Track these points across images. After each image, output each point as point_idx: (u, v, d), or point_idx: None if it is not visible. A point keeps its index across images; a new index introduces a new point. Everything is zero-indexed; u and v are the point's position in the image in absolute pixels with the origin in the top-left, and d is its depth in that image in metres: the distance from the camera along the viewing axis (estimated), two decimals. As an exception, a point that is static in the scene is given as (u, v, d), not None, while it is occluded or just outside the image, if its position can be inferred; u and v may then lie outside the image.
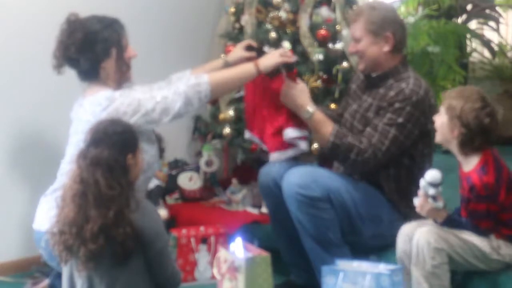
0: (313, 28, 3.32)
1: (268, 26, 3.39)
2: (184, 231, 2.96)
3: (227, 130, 3.37)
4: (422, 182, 2.21)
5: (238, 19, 3.58)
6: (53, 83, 2.85)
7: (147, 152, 2.39)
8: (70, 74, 2.49)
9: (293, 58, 2.60)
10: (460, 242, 2.19)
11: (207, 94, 2.48)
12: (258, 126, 2.77)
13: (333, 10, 3.42)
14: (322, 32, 3.28)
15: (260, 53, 2.77)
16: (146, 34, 3.36)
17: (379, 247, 2.55)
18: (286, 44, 3.30)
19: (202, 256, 2.96)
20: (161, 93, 2.43)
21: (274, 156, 2.70)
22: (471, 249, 2.20)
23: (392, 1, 4.39)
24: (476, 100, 2.20)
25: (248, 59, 2.71)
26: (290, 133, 2.62)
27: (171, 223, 3.27)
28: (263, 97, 2.71)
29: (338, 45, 3.30)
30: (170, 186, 3.60)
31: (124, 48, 2.50)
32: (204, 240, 2.96)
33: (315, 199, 2.45)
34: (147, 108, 2.38)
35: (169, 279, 2.11)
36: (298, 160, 2.72)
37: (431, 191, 2.19)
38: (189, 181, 3.64)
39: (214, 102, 3.49)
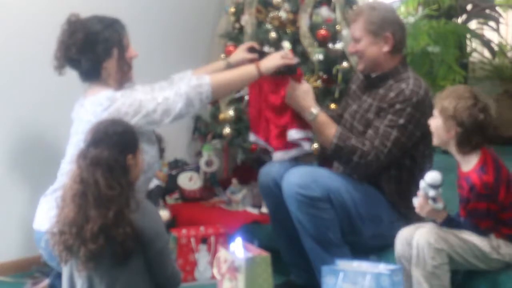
0: (313, 28, 3.32)
1: (268, 26, 3.39)
2: (184, 231, 2.96)
3: (227, 130, 3.37)
4: (422, 184, 2.21)
5: (238, 19, 3.59)
6: (53, 83, 2.85)
7: (147, 153, 2.39)
8: (70, 74, 2.49)
9: (294, 60, 2.61)
10: (460, 242, 2.20)
11: (209, 95, 2.48)
12: (263, 129, 2.76)
13: (333, 10, 3.42)
14: (322, 32, 3.28)
15: (262, 55, 2.77)
16: (146, 34, 3.36)
17: (379, 247, 2.55)
18: (286, 44, 3.30)
19: (202, 256, 2.96)
20: (162, 94, 2.43)
21: (278, 155, 2.70)
22: (471, 249, 2.20)
23: (392, 1, 4.39)
24: (468, 98, 2.21)
25: (250, 61, 2.71)
26: (294, 134, 2.62)
27: (171, 223, 3.27)
28: (268, 99, 2.71)
29: (338, 45, 3.30)
30: (170, 186, 3.60)
31: (126, 48, 2.50)
32: (204, 240, 2.96)
33: (315, 199, 2.45)
34: (148, 109, 2.38)
35: (169, 279, 2.11)
36: (298, 160, 2.72)
37: (431, 192, 2.19)
38: (189, 181, 3.64)
39: (214, 102, 3.49)
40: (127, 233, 1.95)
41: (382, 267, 2.18)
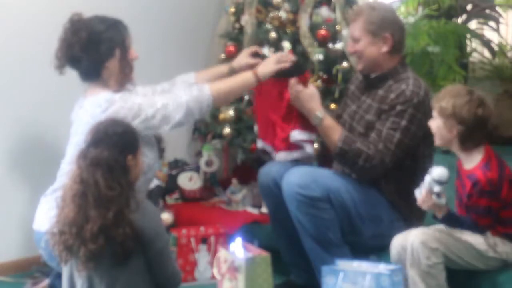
0: (313, 28, 3.33)
1: (268, 26, 3.39)
2: (184, 231, 2.96)
3: (227, 130, 3.37)
4: (428, 178, 2.20)
5: (238, 19, 3.59)
6: (53, 83, 2.85)
7: (147, 156, 2.39)
8: (70, 74, 2.49)
9: (290, 63, 2.59)
10: (455, 242, 2.20)
11: (209, 105, 2.49)
12: (270, 134, 2.75)
13: (333, 10, 3.42)
14: (322, 32, 3.29)
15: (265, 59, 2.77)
16: (146, 34, 3.36)
17: (379, 247, 2.55)
18: (286, 44, 3.30)
19: (202, 256, 2.96)
20: (162, 100, 2.43)
21: (280, 156, 2.69)
22: (467, 248, 2.21)
23: (392, 1, 4.39)
24: (464, 95, 2.23)
25: (253, 66, 2.72)
26: (297, 135, 2.61)
27: (171, 223, 3.27)
28: (275, 102, 2.70)
29: (338, 45, 3.30)
30: (170, 186, 3.60)
31: (128, 49, 2.50)
32: (204, 240, 2.96)
33: (315, 199, 2.45)
34: (147, 114, 2.37)
35: (170, 279, 2.11)
36: (298, 160, 2.72)
37: (437, 188, 2.18)
38: (189, 181, 3.64)
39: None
40: (127, 233, 1.95)
41: (382, 267, 2.18)
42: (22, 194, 3.14)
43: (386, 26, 2.56)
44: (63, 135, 2.56)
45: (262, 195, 2.89)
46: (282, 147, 2.68)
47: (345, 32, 3.28)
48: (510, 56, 5.38)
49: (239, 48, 3.47)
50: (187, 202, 3.59)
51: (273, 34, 3.33)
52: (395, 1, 4.52)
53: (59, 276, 2.25)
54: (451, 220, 2.23)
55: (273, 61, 2.60)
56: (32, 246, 2.56)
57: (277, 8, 3.40)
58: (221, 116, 3.39)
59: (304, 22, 3.33)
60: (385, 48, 2.56)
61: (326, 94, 3.24)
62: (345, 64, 3.25)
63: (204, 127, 3.76)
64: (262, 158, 3.22)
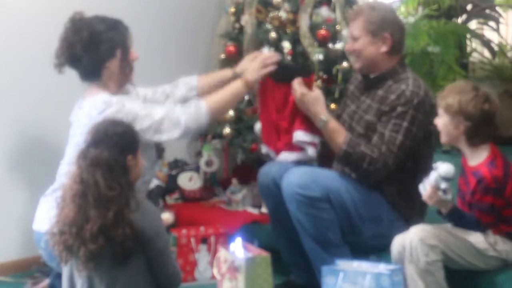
0: (313, 28, 3.33)
1: (268, 26, 3.39)
2: (184, 231, 2.96)
3: (227, 130, 3.37)
4: (434, 175, 2.19)
5: (238, 19, 3.59)
6: (53, 83, 2.86)
7: (145, 158, 2.38)
8: (71, 74, 2.49)
9: (275, 61, 2.61)
10: (455, 240, 2.20)
11: (206, 121, 2.50)
12: (273, 138, 2.74)
13: (333, 10, 3.42)
14: (322, 32, 3.29)
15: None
16: (146, 34, 3.36)
17: (379, 247, 2.55)
18: (286, 44, 3.30)
19: (202, 256, 2.96)
20: (160, 113, 2.40)
21: (282, 155, 2.69)
22: (467, 247, 2.21)
23: (392, 1, 4.39)
24: (469, 91, 2.24)
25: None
26: (300, 136, 2.60)
27: (172, 223, 3.27)
28: (277, 107, 2.69)
29: (338, 45, 3.30)
30: (170, 186, 3.60)
31: (128, 49, 2.50)
32: (204, 240, 2.96)
33: (314, 199, 2.45)
34: (142, 126, 2.36)
35: (170, 278, 2.11)
36: (298, 161, 2.71)
37: (443, 185, 2.17)
38: (189, 181, 3.64)
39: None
40: (127, 233, 1.95)
41: (382, 267, 2.18)
42: (22, 194, 3.14)
43: (386, 26, 2.55)
44: (63, 135, 2.56)
45: (261, 195, 2.88)
46: (284, 147, 2.67)
47: (345, 32, 3.29)
48: (510, 56, 5.38)
49: (239, 48, 3.47)
50: (187, 202, 3.59)
51: (273, 34, 3.33)
52: (395, 1, 4.52)
53: (59, 276, 2.25)
54: (456, 216, 2.22)
55: (258, 66, 2.61)
56: (32, 246, 2.56)
57: (277, 8, 3.40)
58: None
59: (304, 22, 3.33)
60: (384, 48, 2.56)
61: (326, 94, 3.22)
62: (345, 64, 3.25)
63: (204, 127, 3.76)
64: (262, 158, 3.22)
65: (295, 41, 3.34)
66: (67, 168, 2.33)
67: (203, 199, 3.61)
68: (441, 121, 2.29)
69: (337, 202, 2.48)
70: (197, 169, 3.70)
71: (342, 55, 3.29)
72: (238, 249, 2.28)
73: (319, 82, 3.23)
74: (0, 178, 3.11)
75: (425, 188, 2.22)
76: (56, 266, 2.32)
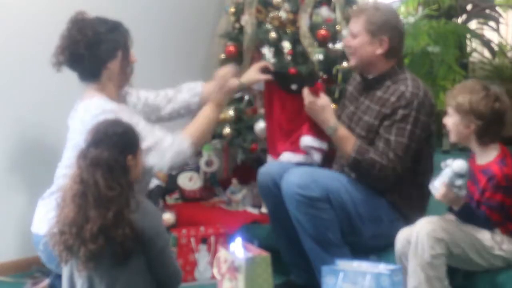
0: (313, 28, 3.32)
1: (268, 26, 3.39)
2: (184, 231, 2.96)
3: (227, 130, 3.37)
4: (448, 172, 2.16)
5: (238, 19, 3.58)
6: (53, 83, 2.86)
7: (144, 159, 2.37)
8: (71, 74, 2.49)
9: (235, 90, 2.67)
10: (461, 234, 2.19)
11: (190, 153, 2.54)
12: (279, 149, 2.75)
13: (333, 10, 3.42)
14: (322, 32, 3.28)
15: (276, 75, 2.75)
16: (146, 34, 3.36)
17: (379, 247, 2.55)
18: (286, 44, 3.30)
19: (202, 256, 2.96)
20: (148, 141, 2.34)
21: (285, 156, 2.68)
22: (473, 242, 2.20)
23: (392, 1, 4.39)
24: (479, 90, 2.24)
25: (264, 82, 2.73)
26: (308, 141, 2.60)
27: (173, 223, 3.26)
28: (289, 116, 2.69)
29: (338, 45, 3.30)
30: (170, 186, 3.60)
31: (129, 51, 2.50)
32: (204, 240, 2.96)
33: (314, 199, 2.45)
34: None
35: (171, 277, 2.11)
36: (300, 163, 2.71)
37: (458, 181, 2.15)
38: (189, 181, 3.64)
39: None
40: (127, 233, 1.95)
41: (382, 267, 2.17)
42: (22, 194, 3.14)
43: (386, 29, 2.55)
44: (63, 136, 2.55)
45: (261, 195, 2.88)
46: (289, 148, 2.67)
47: (345, 32, 3.28)
48: (510, 56, 5.39)
49: (239, 48, 3.47)
50: (187, 202, 3.58)
51: (273, 34, 3.33)
52: (395, 1, 4.52)
53: (59, 276, 2.25)
54: (467, 212, 2.21)
55: (224, 92, 2.61)
56: (32, 246, 2.55)
57: (277, 8, 3.40)
58: (221, 116, 3.38)
59: (304, 22, 3.32)
60: (379, 51, 2.56)
61: (326, 94, 3.23)
62: (345, 64, 3.24)
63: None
64: (262, 158, 3.22)
65: (295, 41, 3.33)
66: (64, 171, 2.33)
67: (203, 199, 3.61)
68: (451, 121, 2.29)
69: (337, 202, 2.48)
70: (197, 169, 3.70)
71: (342, 55, 3.28)
72: (238, 249, 2.28)
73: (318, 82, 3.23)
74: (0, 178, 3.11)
75: (436, 187, 2.19)
76: (55, 267, 2.32)
